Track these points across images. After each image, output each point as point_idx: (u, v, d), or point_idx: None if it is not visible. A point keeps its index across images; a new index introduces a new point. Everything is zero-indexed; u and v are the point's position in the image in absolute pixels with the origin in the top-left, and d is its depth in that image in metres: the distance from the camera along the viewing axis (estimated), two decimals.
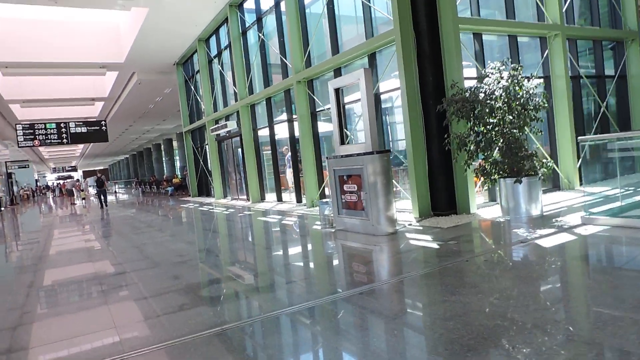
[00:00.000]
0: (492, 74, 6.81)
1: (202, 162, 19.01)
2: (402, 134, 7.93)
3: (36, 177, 67.00)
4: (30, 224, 16.82)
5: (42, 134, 17.81)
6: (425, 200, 7.51)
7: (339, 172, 6.91)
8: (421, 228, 6.60)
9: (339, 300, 3.75)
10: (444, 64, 7.34)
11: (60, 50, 16.43)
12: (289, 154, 12.34)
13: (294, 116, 11.57)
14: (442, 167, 7.46)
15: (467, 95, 6.70)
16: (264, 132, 13.92)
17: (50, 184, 66.75)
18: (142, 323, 3.69)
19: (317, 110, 10.69)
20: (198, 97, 18.44)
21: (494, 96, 6.53)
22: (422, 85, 7.46)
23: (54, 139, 17.94)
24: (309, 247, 6.71)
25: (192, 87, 18.73)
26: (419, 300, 3.76)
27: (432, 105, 7.38)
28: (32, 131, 17.63)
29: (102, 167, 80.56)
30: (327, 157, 7.11)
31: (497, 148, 6.69)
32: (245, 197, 15.26)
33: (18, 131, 17.48)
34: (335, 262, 5.59)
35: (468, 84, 7.40)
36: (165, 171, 43.75)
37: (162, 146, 43.92)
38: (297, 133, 11.86)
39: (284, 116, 12.43)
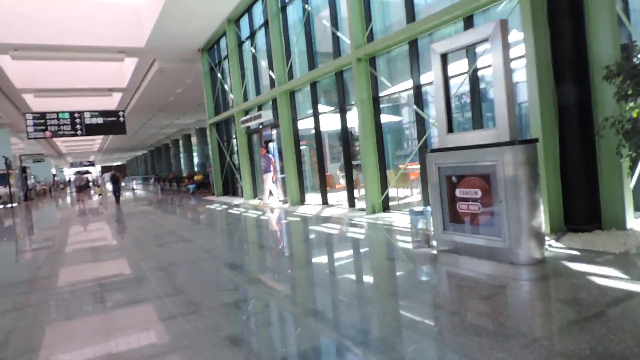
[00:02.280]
0: None
1: (228, 158, 17.17)
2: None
3: (54, 172, 66.36)
4: (30, 224, 15.14)
5: (54, 125, 16.16)
6: (558, 210, 5.47)
7: (447, 171, 4.91)
8: (577, 253, 4.56)
9: None
10: (588, 23, 5.29)
11: (75, 33, 14.73)
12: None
13: (351, 103, 9.61)
14: (581, 165, 5.42)
15: None
16: (304, 124, 11.98)
17: (68, 178, 65.93)
18: None
19: (381, 95, 8.70)
20: (225, 86, 16.58)
21: None
22: (555, 54, 5.42)
23: (67, 130, 16.29)
24: (415, 289, 4.71)
25: (219, 75, 16.89)
26: None
27: (570, 80, 5.34)
28: (43, 121, 15.99)
29: (120, 163, 79.78)
30: (427, 151, 5.11)
31: None
32: (279, 198, 13.35)
33: (28, 121, 15.86)
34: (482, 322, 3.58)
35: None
36: (182, 167, 42.26)
37: (181, 142, 42.46)
38: (349, 124, 9.90)
39: (323, 107, 10.47)
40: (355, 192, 10.88)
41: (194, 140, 39.35)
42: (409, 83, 7.97)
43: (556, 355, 2.46)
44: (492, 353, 2.54)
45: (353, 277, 4.83)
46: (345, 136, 9.81)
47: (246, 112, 14.78)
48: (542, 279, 3.93)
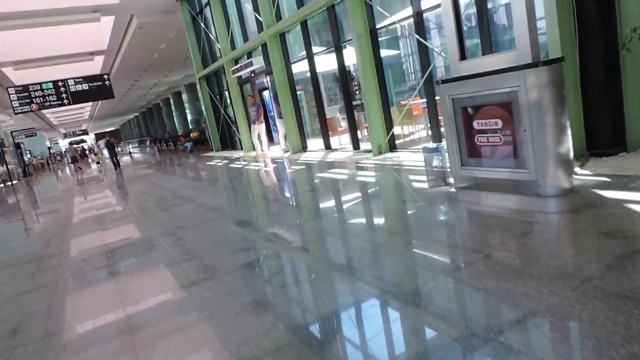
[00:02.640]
0: None
1: (223, 112, 16.65)
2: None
3: (48, 145, 65.58)
4: (33, 199, 14.93)
5: (39, 97, 15.56)
6: (579, 135, 5.16)
7: (463, 102, 4.54)
8: (606, 179, 4.29)
9: None
10: None
11: None
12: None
13: (347, 39, 9.05)
14: (604, 83, 5.04)
15: None
16: (298, 67, 11.42)
17: (64, 149, 65.37)
18: None
19: (379, 27, 8.12)
20: (210, 36, 15.76)
21: None
22: None
23: (53, 101, 15.70)
24: (444, 225, 4.47)
25: (202, 25, 16.01)
26: None
27: None
28: (27, 94, 15.37)
29: (113, 129, 78.68)
30: (438, 82, 4.71)
31: None
32: (280, 146, 13.01)
33: (11, 95, 15.23)
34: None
35: None
36: (177, 126, 41.55)
37: (172, 100, 41.45)
38: (346, 62, 9.37)
39: (314, 47, 9.88)
40: (358, 134, 10.56)
41: (184, 97, 38.36)
42: (408, 11, 7.40)
43: (613, 296, 2.24)
44: (541, 299, 2.32)
45: (371, 224, 4.61)
46: (344, 76, 9.32)
47: (236, 61, 14.12)
48: (575, 211, 3.68)
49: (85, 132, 64.26)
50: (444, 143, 5.15)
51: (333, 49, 9.41)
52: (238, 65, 13.28)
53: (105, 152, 33.20)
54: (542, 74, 3.85)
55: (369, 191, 5.94)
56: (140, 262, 4.67)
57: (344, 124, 11.17)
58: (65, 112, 43.95)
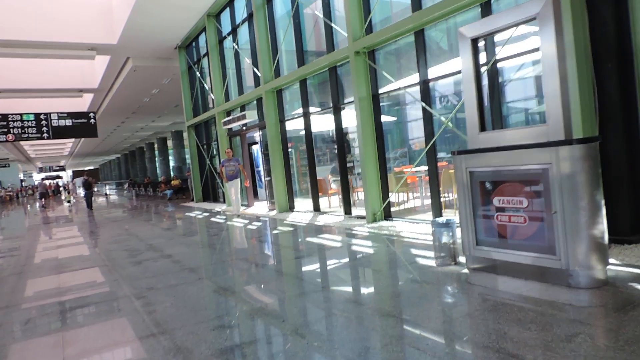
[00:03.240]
0: None
1: (208, 162, 16.18)
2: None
3: (22, 177, 63.71)
4: None
5: (18, 127, 14.89)
6: None
7: (482, 176, 4.15)
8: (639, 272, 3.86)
9: None
10: (632, 8, 4.63)
11: (42, 28, 13.55)
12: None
13: (346, 102, 8.85)
14: (625, 166, 4.76)
15: None
16: (292, 125, 11.15)
17: (37, 184, 63.47)
18: None
19: (381, 92, 7.93)
20: (205, 86, 15.60)
21: None
22: (596, 41, 4.75)
23: (32, 133, 15.03)
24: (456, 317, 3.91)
25: (198, 74, 15.90)
26: None
27: (613, 70, 4.68)
28: (5, 123, 14.69)
29: (92, 167, 77.20)
30: (454, 152, 4.34)
31: None
32: (264, 204, 12.45)
33: None
34: None
35: None
36: (158, 172, 40.80)
37: (156, 145, 41.01)
38: (344, 124, 9.12)
39: (314, 105, 9.67)
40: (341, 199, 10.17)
41: (170, 143, 37.99)
42: (413, 78, 7.24)
43: None
44: None
45: (376, 305, 4.03)
46: (340, 137, 9.02)
47: (228, 113, 13.86)
48: (619, 310, 3.19)
49: (62, 168, 62.69)
50: (455, 217, 4.71)
51: (330, 109, 9.18)
52: (230, 117, 12.98)
53: (81, 190, 32.17)
54: (577, 152, 3.51)
55: (366, 265, 5.37)
56: (97, 332, 3.94)
57: (334, 186, 10.78)
58: (44, 146, 42.94)
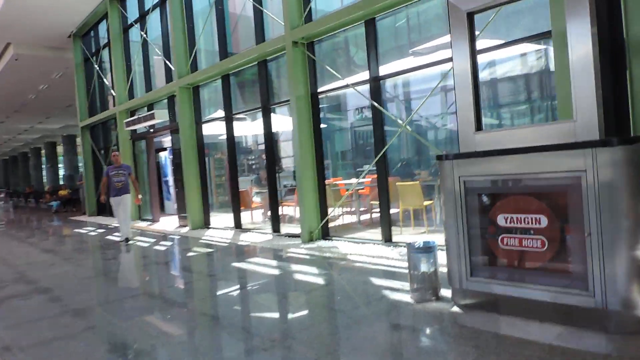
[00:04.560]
0: None
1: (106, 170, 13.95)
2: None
3: None
4: None
5: None
6: None
7: (481, 187, 3.23)
8: None
9: None
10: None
11: None
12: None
13: (277, 102, 7.70)
14: None
15: None
16: (209, 129, 9.73)
17: None
18: None
19: (320, 91, 6.89)
20: (105, 81, 13.51)
21: None
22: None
23: None
24: None
25: (96, 67, 13.75)
26: None
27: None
28: None
29: None
30: (442, 156, 3.38)
31: None
32: (173, 219, 10.75)
33: None
34: None
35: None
36: (45, 181, 36.05)
37: (44, 151, 36.27)
38: (276, 128, 7.95)
39: (244, 106, 8.44)
40: (264, 214, 9.02)
41: (60, 149, 33.76)
42: (362, 75, 6.32)
43: None
44: None
45: None
46: (270, 144, 7.82)
47: (132, 113, 11.97)
48: None
49: None
50: (435, 241, 3.74)
51: (257, 110, 7.97)
52: (135, 117, 11.15)
53: None
54: (621, 155, 2.69)
55: (320, 303, 4.18)
56: None
57: (257, 200, 9.51)
58: None
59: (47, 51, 14.64)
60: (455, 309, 3.41)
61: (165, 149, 13.54)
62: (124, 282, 5.69)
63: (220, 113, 9.03)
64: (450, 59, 4.87)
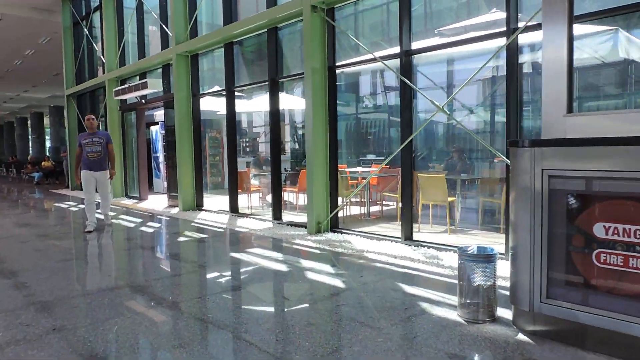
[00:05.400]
0: None
1: None
2: None
3: None
4: None
5: None
6: None
7: (573, 185, 2.50)
8: None
9: None
10: None
11: None
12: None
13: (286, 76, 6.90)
14: None
15: None
16: (206, 105, 8.90)
17: None
18: None
19: (339, 64, 6.09)
20: (95, 46, 12.51)
21: None
22: None
23: None
24: None
25: (86, 32, 12.73)
26: None
27: None
28: None
29: None
30: (518, 142, 2.64)
31: None
32: (162, 198, 9.94)
33: None
34: None
35: None
36: (31, 152, 34.77)
37: (29, 121, 34.89)
38: (285, 105, 7.16)
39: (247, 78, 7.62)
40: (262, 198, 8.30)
41: (47, 120, 32.48)
42: (391, 50, 5.55)
43: None
44: None
45: None
46: (276, 121, 7.02)
47: (122, 82, 11.05)
48: None
49: None
50: (493, 248, 3.02)
51: (264, 84, 7.17)
52: (126, 86, 10.23)
53: None
54: None
55: (342, 312, 3.42)
56: None
57: (255, 182, 8.73)
58: None
59: (33, 12, 13.55)
60: (521, 336, 2.70)
61: (156, 123, 12.65)
62: (104, 270, 4.90)
63: (218, 88, 8.20)
64: (496, 35, 4.12)
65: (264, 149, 12.32)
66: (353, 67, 6.14)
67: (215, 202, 8.91)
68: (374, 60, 5.59)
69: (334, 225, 6.13)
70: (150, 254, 5.56)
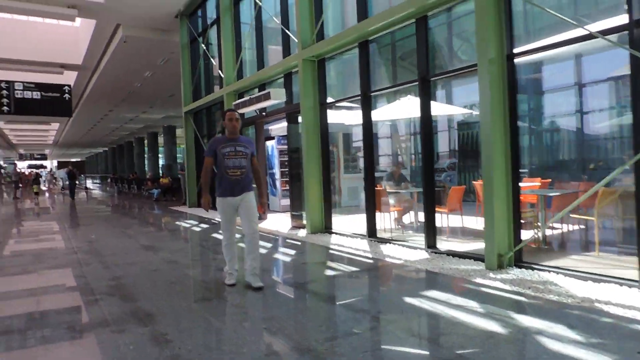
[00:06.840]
0: None
1: None
2: None
3: (1, 163, 59.87)
4: None
5: None
6: None
7: None
8: None
9: None
10: None
11: None
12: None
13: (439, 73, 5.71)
14: None
15: None
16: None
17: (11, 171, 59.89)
18: None
19: (519, 51, 4.76)
20: (213, 61, 12.37)
21: None
22: None
23: None
24: None
25: (203, 47, 12.67)
26: None
27: None
28: None
29: (79, 159, 73.25)
30: None
31: None
32: (282, 217, 9.20)
33: None
34: None
35: None
36: (146, 169, 37.24)
37: (146, 140, 37.47)
38: (441, 111, 5.96)
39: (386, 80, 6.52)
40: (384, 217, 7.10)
41: (161, 140, 34.55)
42: (611, 21, 4.11)
43: None
44: None
45: None
46: (428, 127, 5.83)
47: (240, 95, 10.63)
48: None
49: (44, 157, 58.84)
50: None
51: (418, 83, 6.03)
52: (246, 98, 9.71)
53: (60, 183, 29.87)
54: None
55: None
56: None
57: (392, 201, 7.57)
58: (27, 132, 39.28)
59: (153, 33, 13.90)
60: None
61: (272, 138, 12.14)
62: (253, 318, 4.01)
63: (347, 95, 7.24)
64: None
65: (395, 161, 11.22)
66: (541, 53, 4.75)
67: (342, 223, 7.93)
68: (581, 38, 4.18)
69: (517, 259, 4.75)
70: (300, 295, 4.56)
